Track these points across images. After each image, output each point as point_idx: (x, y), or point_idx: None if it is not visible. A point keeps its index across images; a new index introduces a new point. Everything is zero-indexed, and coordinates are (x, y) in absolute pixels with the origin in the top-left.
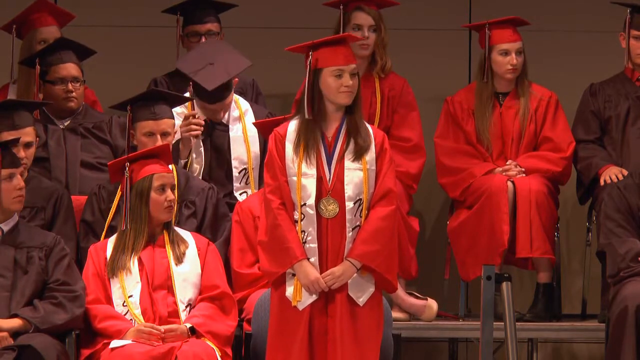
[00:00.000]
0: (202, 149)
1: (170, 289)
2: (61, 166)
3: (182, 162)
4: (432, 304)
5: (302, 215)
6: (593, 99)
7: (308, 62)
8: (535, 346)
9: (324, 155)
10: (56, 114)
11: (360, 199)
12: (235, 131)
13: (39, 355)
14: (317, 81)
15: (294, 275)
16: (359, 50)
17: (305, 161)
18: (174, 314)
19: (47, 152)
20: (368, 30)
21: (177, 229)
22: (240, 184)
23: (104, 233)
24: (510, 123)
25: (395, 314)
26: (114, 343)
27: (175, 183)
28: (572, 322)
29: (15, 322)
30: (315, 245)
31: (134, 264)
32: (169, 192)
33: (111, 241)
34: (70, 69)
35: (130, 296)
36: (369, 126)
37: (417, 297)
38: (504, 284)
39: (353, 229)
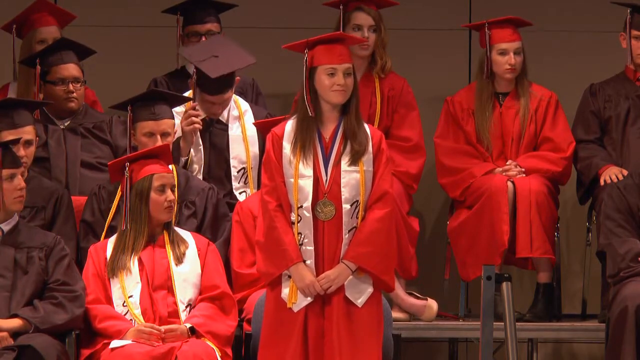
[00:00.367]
0: (201, 147)
1: (170, 289)
2: (61, 166)
3: (183, 160)
4: (432, 304)
5: (299, 218)
6: (593, 99)
7: (304, 60)
8: (535, 346)
9: (321, 156)
10: (56, 114)
11: (357, 201)
12: (234, 130)
13: (39, 356)
14: (313, 79)
15: (290, 276)
16: (359, 50)
17: (302, 162)
18: (174, 314)
19: (47, 152)
20: (368, 30)
21: (177, 229)
22: (239, 183)
23: (104, 233)
24: (510, 123)
25: (395, 314)
26: (114, 343)
27: (175, 183)
28: (572, 322)
29: (15, 322)
30: (312, 247)
31: (134, 264)
32: (169, 192)
33: (111, 241)
34: (71, 69)
35: (130, 296)
36: (367, 126)
37: (417, 297)
38: (504, 284)
39: (349, 231)
